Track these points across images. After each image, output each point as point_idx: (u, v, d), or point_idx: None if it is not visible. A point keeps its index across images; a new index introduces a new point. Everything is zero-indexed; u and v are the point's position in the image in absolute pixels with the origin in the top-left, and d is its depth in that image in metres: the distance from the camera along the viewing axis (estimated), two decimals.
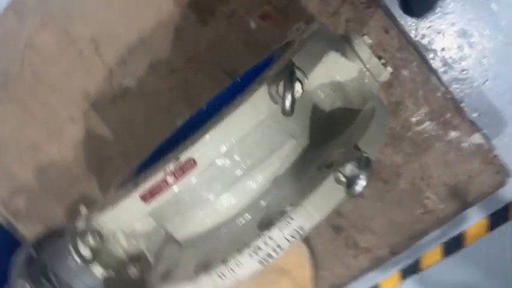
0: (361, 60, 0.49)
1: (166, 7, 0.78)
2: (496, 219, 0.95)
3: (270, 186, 0.46)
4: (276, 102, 0.41)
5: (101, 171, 0.89)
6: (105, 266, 0.58)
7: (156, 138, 0.88)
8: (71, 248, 0.46)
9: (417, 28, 0.88)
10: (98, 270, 0.58)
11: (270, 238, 0.41)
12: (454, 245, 0.98)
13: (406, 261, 1.02)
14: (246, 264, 0.41)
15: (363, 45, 0.49)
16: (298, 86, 0.39)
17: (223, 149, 0.40)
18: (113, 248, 0.52)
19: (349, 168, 0.41)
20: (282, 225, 0.41)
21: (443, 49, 0.88)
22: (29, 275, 0.61)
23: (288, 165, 0.47)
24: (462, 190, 0.83)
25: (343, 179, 0.42)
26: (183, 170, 0.40)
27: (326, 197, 0.42)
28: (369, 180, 0.39)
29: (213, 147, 0.40)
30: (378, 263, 0.87)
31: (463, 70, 0.88)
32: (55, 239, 0.70)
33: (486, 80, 0.88)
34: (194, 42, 0.80)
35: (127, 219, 0.44)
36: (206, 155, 0.40)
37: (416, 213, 0.84)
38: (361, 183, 0.39)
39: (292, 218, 0.41)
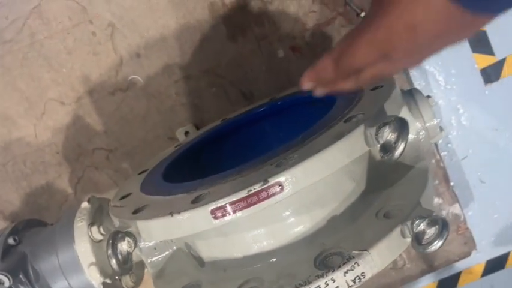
0: (423, 119, 0.50)
1: (199, 12, 0.76)
2: (446, 285, 1.01)
3: (326, 225, 0.45)
4: (369, 145, 0.41)
5: (77, 164, 0.81)
6: (104, 274, 0.53)
7: (150, 141, 0.83)
8: (110, 251, 0.41)
9: None
10: (97, 278, 0.52)
11: (333, 280, 0.40)
12: None
13: None
14: None
15: (427, 106, 0.51)
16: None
17: (310, 181, 0.39)
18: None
19: (419, 225, 0.42)
20: (346, 269, 0.40)
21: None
22: (5, 266, 0.53)
23: (346, 207, 0.46)
24: (431, 254, 0.88)
25: (409, 233, 0.43)
26: (267, 194, 0.38)
27: (391, 248, 0.42)
28: (445, 240, 0.40)
29: (303, 178, 0.38)
30: None
31: (448, 143, 0.95)
32: (36, 228, 0.63)
33: (466, 157, 0.95)
34: (217, 54, 0.78)
35: (179, 232, 0.40)
36: (294, 183, 0.38)
37: (386, 268, 0.86)
38: (437, 244, 0.40)
39: (358, 264, 0.40)
